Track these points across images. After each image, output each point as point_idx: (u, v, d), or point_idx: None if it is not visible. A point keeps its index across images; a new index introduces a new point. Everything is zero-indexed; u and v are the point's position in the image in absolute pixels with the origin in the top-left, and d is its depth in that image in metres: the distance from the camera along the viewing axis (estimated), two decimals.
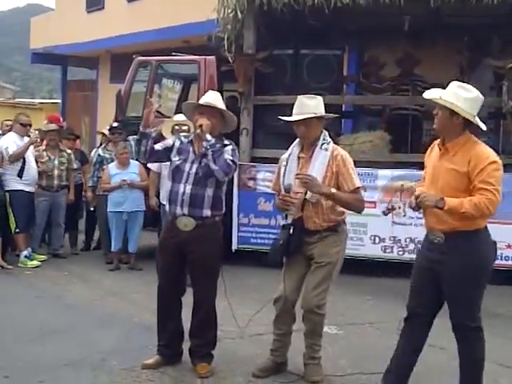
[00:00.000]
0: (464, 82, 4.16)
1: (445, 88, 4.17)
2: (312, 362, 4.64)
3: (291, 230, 4.55)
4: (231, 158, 4.65)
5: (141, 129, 4.76)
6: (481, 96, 4.07)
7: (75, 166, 9.40)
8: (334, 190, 4.46)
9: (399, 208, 7.99)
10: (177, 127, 7.86)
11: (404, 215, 8.02)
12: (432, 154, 4.26)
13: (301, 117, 4.54)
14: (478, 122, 4.03)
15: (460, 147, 4.00)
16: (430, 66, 9.61)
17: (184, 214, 4.65)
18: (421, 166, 7.87)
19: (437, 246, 4.11)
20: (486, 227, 4.11)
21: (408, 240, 8.06)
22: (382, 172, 8.18)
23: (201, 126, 4.58)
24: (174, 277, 4.78)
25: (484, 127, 4.05)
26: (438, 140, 4.19)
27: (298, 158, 4.66)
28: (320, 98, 4.67)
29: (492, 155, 3.97)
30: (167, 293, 4.81)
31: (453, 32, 9.06)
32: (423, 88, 9.05)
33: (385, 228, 8.10)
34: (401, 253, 8.12)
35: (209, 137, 4.58)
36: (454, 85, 4.08)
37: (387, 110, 9.62)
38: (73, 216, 9.59)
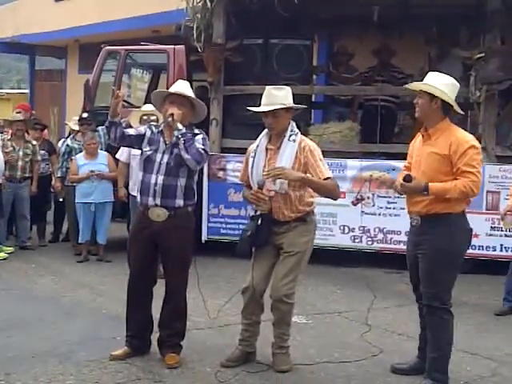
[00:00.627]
0: None
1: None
2: (280, 351, 4.65)
3: (259, 221, 4.54)
4: (203, 146, 4.63)
5: (109, 118, 4.72)
6: (456, 83, 4.31)
7: (39, 157, 9.24)
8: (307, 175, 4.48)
9: (368, 198, 8.06)
10: (145, 117, 7.80)
11: (373, 205, 8.08)
12: (415, 143, 4.48)
13: (269, 108, 4.52)
14: (455, 105, 4.24)
15: (441, 132, 4.22)
16: (399, 57, 9.65)
17: (156, 205, 4.62)
18: (390, 156, 8.05)
19: (416, 228, 4.31)
20: (463, 213, 4.27)
21: (377, 230, 8.11)
22: (351, 162, 8.20)
23: (172, 115, 4.54)
24: (145, 268, 4.75)
25: (461, 111, 4.29)
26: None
27: (266, 149, 4.64)
28: (288, 89, 4.66)
29: (472, 140, 4.22)
30: (138, 284, 4.78)
31: (421, 22, 9.11)
32: (400, 78, 9.15)
33: (354, 218, 8.13)
34: (370, 242, 8.16)
35: (180, 126, 4.55)
36: (432, 74, 4.35)
37: (357, 101, 9.66)
38: (41, 207, 9.47)
